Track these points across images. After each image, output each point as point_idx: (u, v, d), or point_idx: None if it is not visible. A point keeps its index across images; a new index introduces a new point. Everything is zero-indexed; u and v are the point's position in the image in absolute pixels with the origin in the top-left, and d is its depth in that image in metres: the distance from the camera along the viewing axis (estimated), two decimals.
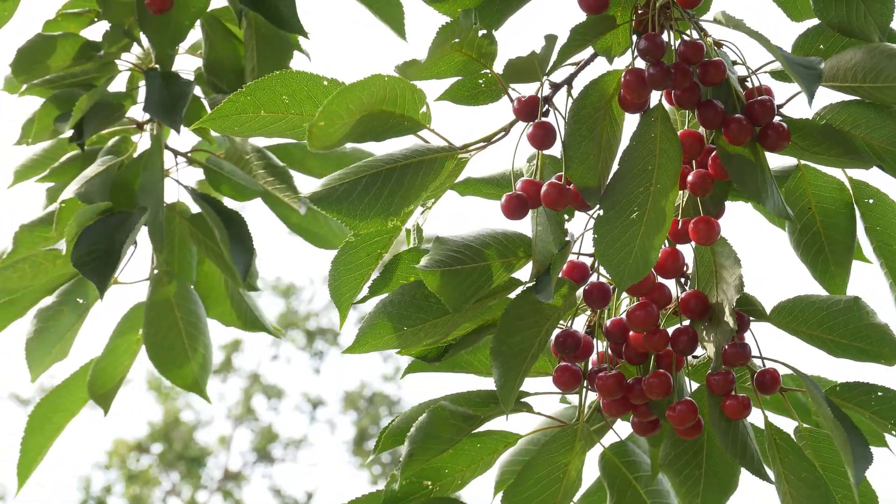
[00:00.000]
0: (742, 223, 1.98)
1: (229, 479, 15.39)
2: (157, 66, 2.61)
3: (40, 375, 2.69)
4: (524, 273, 1.74)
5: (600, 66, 1.74)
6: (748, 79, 1.71)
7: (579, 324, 1.82)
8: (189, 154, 2.77)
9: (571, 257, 1.76)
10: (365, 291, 1.79)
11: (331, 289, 1.79)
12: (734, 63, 1.72)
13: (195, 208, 2.71)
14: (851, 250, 1.87)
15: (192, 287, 2.70)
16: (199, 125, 1.72)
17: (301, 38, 2.63)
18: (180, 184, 2.73)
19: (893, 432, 1.76)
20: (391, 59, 1.70)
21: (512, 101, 1.74)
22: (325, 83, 1.70)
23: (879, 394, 1.75)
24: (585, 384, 1.80)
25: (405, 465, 1.75)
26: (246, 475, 15.47)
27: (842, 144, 1.68)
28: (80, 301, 2.66)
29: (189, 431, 15.43)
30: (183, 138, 2.73)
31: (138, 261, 2.69)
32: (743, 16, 1.67)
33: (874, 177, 1.82)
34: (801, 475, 1.73)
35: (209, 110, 2.66)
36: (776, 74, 1.74)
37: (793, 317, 1.73)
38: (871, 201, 1.85)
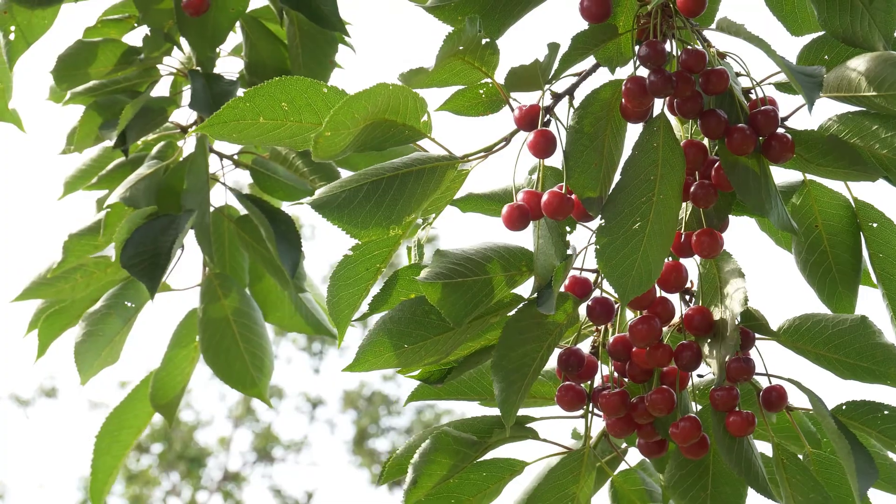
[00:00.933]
0: (747, 239, 1.96)
1: (229, 479, 15.38)
2: (198, 68, 2.60)
3: (90, 379, 2.68)
4: (527, 289, 1.72)
5: (602, 76, 1.72)
6: (752, 90, 1.69)
7: (585, 346, 1.79)
8: (235, 157, 2.76)
9: (574, 272, 1.74)
10: (363, 307, 1.76)
11: (329, 305, 1.76)
12: (738, 74, 1.69)
13: (243, 211, 2.71)
14: (859, 271, 1.85)
15: (248, 293, 2.69)
16: (196, 131, 1.69)
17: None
18: (227, 187, 2.73)
19: None
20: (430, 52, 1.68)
21: (513, 110, 1.71)
22: (325, 90, 1.68)
23: (885, 413, 1.73)
24: (591, 407, 1.77)
25: (409, 493, 1.73)
26: (246, 475, 15.46)
27: (847, 156, 1.65)
28: (129, 304, 2.66)
29: (189, 432, 15.42)
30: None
31: (190, 266, 2.70)
32: (744, 24, 1.65)
33: (879, 197, 1.80)
34: (809, 496, 1.71)
35: None
36: (780, 86, 1.72)
37: (799, 335, 1.71)
38: (875, 225, 1.82)
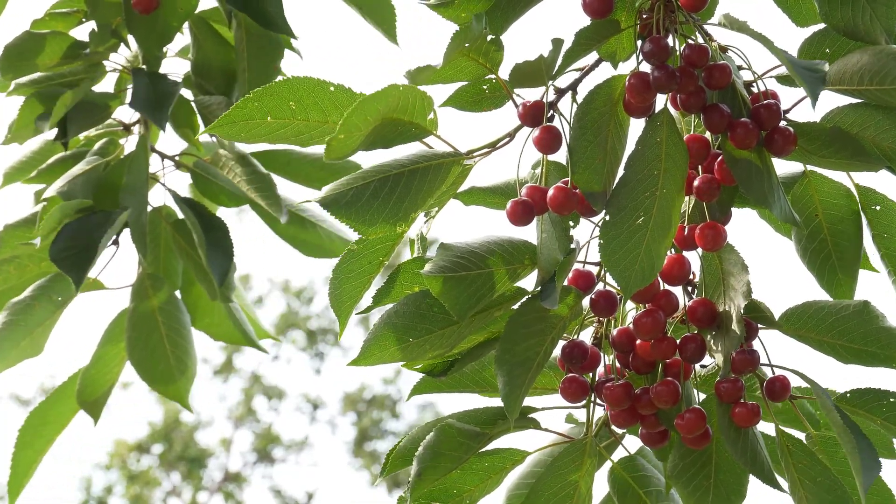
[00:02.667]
0: (748, 230, 1.97)
1: (230, 479, 15.38)
2: (144, 66, 2.60)
3: (6, 369, 2.67)
4: (530, 283, 1.73)
5: (605, 71, 1.73)
6: (754, 83, 1.70)
7: (586, 336, 1.80)
8: (177, 158, 2.76)
9: (577, 265, 1.74)
10: (366, 300, 1.77)
11: (331, 297, 1.77)
12: (740, 68, 1.70)
13: (181, 214, 2.70)
14: (859, 258, 1.85)
15: (178, 295, 2.69)
16: (206, 132, 1.70)
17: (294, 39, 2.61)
18: (166, 187, 2.72)
19: None
20: (384, 58, 1.69)
21: (517, 106, 1.72)
22: (332, 89, 1.69)
23: (891, 400, 1.73)
24: (593, 398, 1.78)
25: (414, 486, 1.73)
26: (246, 476, 15.47)
27: (850, 147, 1.66)
28: (57, 297, 2.65)
29: (189, 432, 15.44)
30: (171, 143, 2.72)
31: (127, 266, 2.69)
32: (747, 20, 1.66)
33: (881, 182, 1.81)
34: (817, 479, 1.72)
35: (197, 112, 2.65)
36: (782, 79, 1.73)
37: (801, 323, 1.72)
38: (877, 208, 1.83)
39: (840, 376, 1.77)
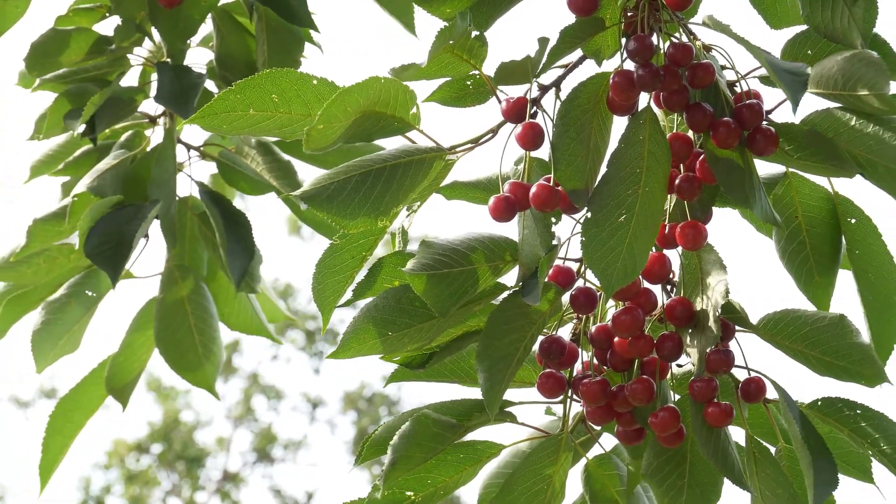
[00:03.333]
0: (728, 231, 1.97)
1: (229, 479, 15.38)
2: (168, 59, 2.61)
3: (46, 367, 2.69)
4: (510, 278, 1.73)
5: (589, 69, 1.73)
6: (737, 83, 1.70)
7: (564, 332, 1.80)
8: (202, 148, 2.77)
9: (557, 262, 1.75)
10: (349, 294, 1.78)
11: (314, 292, 1.78)
12: (723, 67, 1.71)
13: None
14: (837, 261, 1.85)
15: (204, 285, 2.71)
16: (188, 123, 1.70)
17: (313, 32, 2.62)
18: (193, 179, 2.73)
19: (870, 451, 1.74)
20: (398, 52, 1.70)
21: (500, 102, 1.72)
22: (315, 82, 1.69)
23: (858, 411, 1.74)
24: (570, 393, 1.79)
25: (388, 475, 1.74)
26: (245, 476, 15.47)
27: (825, 151, 1.66)
28: (90, 294, 2.67)
29: (188, 432, 15.43)
30: (196, 133, 2.73)
31: (153, 256, 2.70)
32: (730, 20, 1.66)
33: (859, 193, 1.81)
34: (777, 491, 1.73)
35: None
36: (765, 80, 1.74)
37: (778, 330, 1.72)
38: (853, 221, 1.83)
39: (818, 382, 1.77)
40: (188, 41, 2.61)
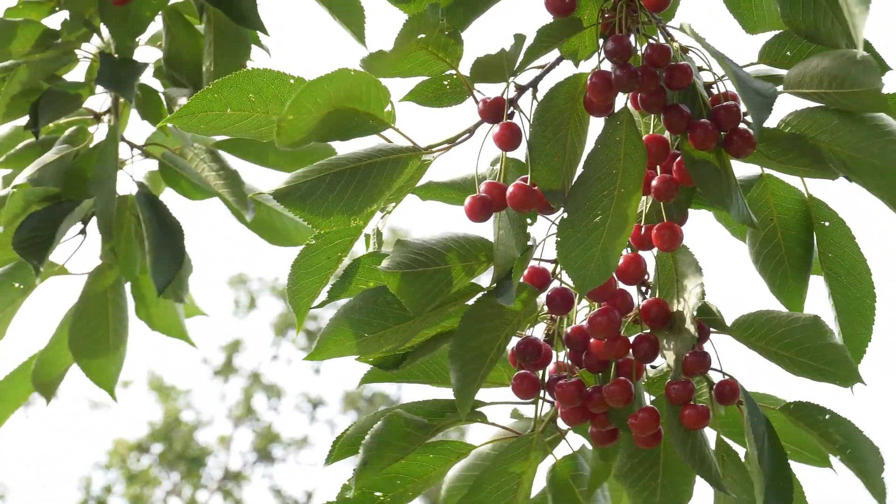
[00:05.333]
0: (703, 233, 1.96)
1: (229, 478, 15.39)
2: (116, 56, 2.60)
3: None
4: (486, 280, 1.72)
5: (566, 70, 1.72)
6: (714, 85, 1.69)
7: (538, 333, 1.80)
8: (144, 147, 2.76)
9: (533, 263, 1.74)
10: (324, 295, 1.77)
11: (289, 293, 1.77)
12: (700, 69, 1.70)
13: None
14: (810, 265, 1.85)
15: (126, 285, 2.70)
16: (165, 122, 1.70)
17: (261, 35, 2.61)
18: (134, 180, 2.72)
19: (838, 456, 1.73)
20: (353, 58, 1.68)
21: (477, 102, 1.72)
22: (292, 81, 1.68)
23: (827, 417, 1.73)
24: (542, 394, 1.78)
25: (359, 474, 1.73)
26: (246, 475, 15.47)
27: (809, 154, 1.66)
28: (18, 285, 2.66)
29: (189, 431, 15.44)
30: (140, 132, 2.73)
31: (92, 254, 2.69)
32: (708, 23, 1.65)
33: (834, 196, 1.80)
34: (742, 496, 1.73)
35: (165, 104, 2.65)
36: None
37: (752, 331, 1.72)
38: (826, 224, 1.82)
39: (792, 382, 1.76)
40: (137, 39, 2.60)
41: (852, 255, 1.81)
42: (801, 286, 1.84)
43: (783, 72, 1.69)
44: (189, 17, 2.67)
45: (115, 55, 2.59)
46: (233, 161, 2.72)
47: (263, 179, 2.70)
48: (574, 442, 1.85)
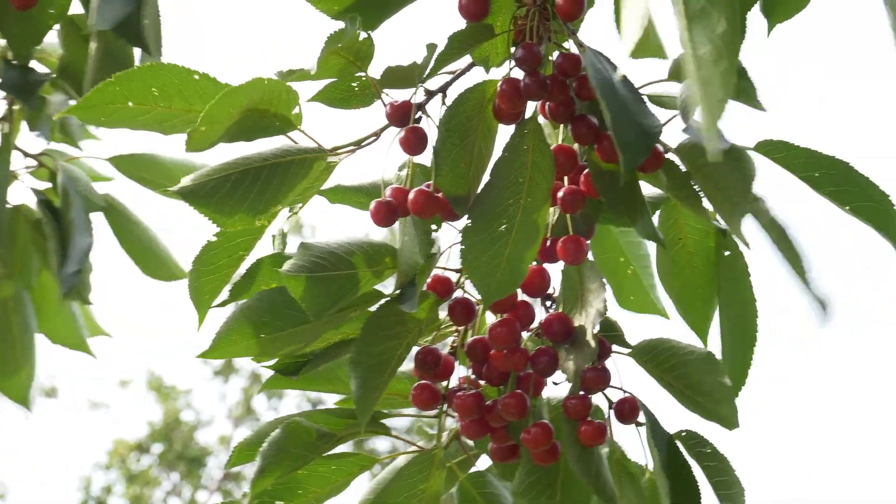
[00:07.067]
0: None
1: (230, 478, 15.38)
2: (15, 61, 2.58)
3: None
4: (388, 288, 1.70)
5: (477, 76, 1.70)
6: None
7: (443, 346, 1.77)
8: (38, 157, 2.74)
9: (437, 271, 1.72)
10: (225, 295, 1.75)
11: (190, 290, 1.75)
12: None
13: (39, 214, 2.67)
14: (717, 286, 1.81)
15: (26, 294, 2.68)
16: (64, 114, 1.68)
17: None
18: (29, 188, 2.70)
19: (715, 493, 1.70)
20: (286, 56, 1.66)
21: (385, 105, 1.69)
22: (196, 77, 1.66)
23: (708, 450, 1.70)
24: (445, 409, 1.75)
25: (256, 481, 1.71)
26: (246, 475, 15.47)
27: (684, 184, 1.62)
28: None
29: (189, 431, 15.44)
30: (34, 142, 2.70)
31: None
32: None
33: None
34: None
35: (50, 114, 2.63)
36: (653, 98, 1.69)
37: (650, 357, 1.70)
38: (727, 254, 1.79)
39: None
40: (35, 47, 2.56)
41: (744, 290, 1.77)
42: (707, 308, 1.82)
43: None
44: (85, 30, 2.63)
45: (15, 62, 2.56)
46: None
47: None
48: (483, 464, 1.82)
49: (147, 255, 2.74)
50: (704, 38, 1.19)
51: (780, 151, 1.60)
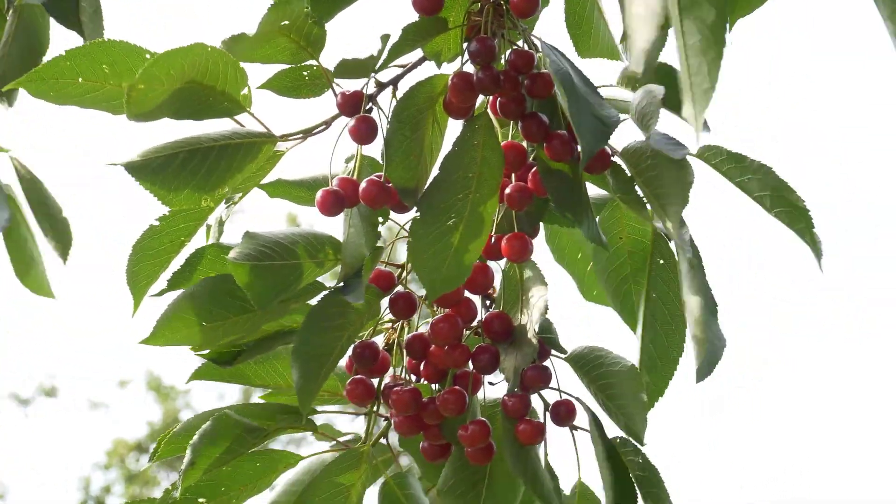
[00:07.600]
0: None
1: None
2: None
3: None
4: (330, 281, 1.68)
5: (429, 70, 1.70)
6: None
7: (378, 341, 1.75)
8: None
9: (379, 266, 1.70)
10: (163, 283, 1.72)
11: (128, 274, 1.73)
12: None
13: None
14: None
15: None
16: (12, 86, 1.65)
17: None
18: None
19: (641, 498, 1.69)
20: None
21: (336, 95, 1.68)
22: (148, 56, 1.64)
23: (640, 460, 1.70)
24: (376, 408, 1.73)
25: (186, 475, 1.67)
26: None
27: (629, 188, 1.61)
28: None
29: None
30: None
31: None
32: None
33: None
34: None
35: None
36: (609, 101, 1.68)
37: (581, 363, 1.70)
38: (661, 262, 1.79)
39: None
40: None
41: (672, 304, 1.76)
42: (640, 304, 1.80)
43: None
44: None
45: None
46: None
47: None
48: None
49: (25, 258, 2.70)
50: (695, 28, 1.19)
51: (716, 157, 1.61)
